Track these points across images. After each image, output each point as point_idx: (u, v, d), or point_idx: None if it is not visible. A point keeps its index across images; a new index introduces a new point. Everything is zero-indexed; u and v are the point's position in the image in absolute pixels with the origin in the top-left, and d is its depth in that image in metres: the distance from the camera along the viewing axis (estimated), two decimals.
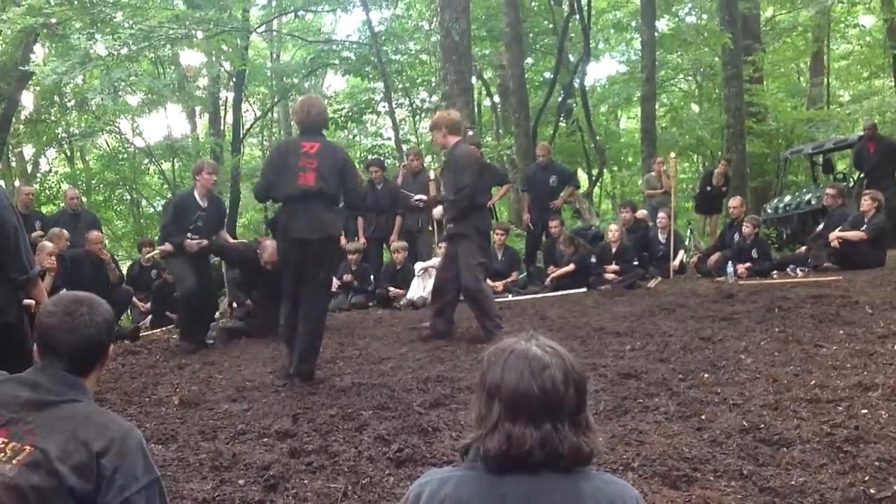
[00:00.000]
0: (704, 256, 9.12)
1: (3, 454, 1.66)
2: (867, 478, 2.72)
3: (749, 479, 2.78)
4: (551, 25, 16.18)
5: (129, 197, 18.87)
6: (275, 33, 19.21)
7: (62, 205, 10.30)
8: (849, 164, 13.42)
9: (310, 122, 4.78)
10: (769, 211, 12.76)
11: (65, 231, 7.68)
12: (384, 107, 17.17)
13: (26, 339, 3.05)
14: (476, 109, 16.25)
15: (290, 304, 4.85)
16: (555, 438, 1.36)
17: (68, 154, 19.82)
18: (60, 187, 16.76)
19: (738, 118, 13.56)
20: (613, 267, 8.41)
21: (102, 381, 4.66)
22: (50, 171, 19.41)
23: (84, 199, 12.47)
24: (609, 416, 3.63)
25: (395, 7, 17.38)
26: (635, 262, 8.54)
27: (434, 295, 6.12)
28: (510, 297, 8.14)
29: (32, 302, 3.27)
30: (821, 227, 8.83)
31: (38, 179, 18.09)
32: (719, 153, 13.83)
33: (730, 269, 8.04)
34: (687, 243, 10.42)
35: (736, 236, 8.61)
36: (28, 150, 18.93)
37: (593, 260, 8.61)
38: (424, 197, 6.12)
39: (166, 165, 18.45)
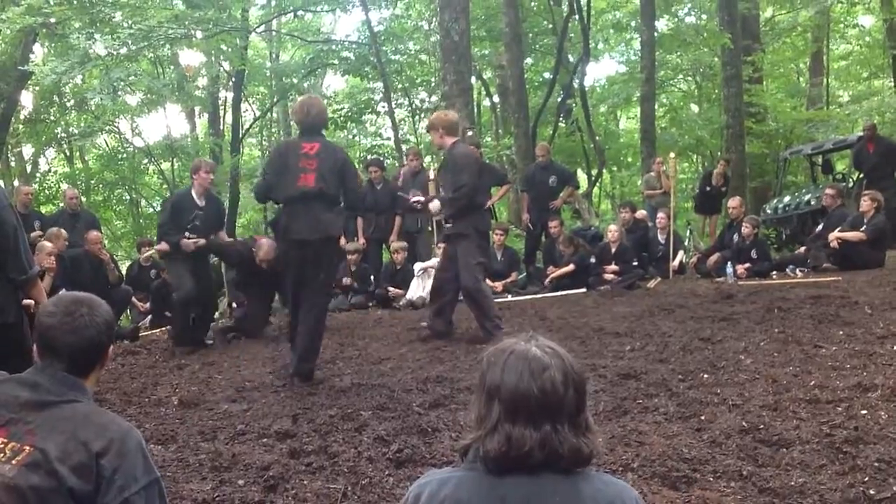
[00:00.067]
0: (704, 257, 9.12)
1: (2, 454, 1.66)
2: (867, 478, 2.72)
3: (749, 480, 2.78)
4: (551, 25, 16.18)
5: (128, 197, 18.87)
6: (274, 33, 19.21)
7: (61, 205, 10.30)
8: (848, 165, 13.43)
9: (309, 123, 4.78)
10: (768, 211, 12.76)
11: (63, 231, 7.67)
12: (383, 107, 17.19)
13: (26, 339, 3.04)
14: (475, 109, 16.25)
15: (292, 305, 4.87)
16: (554, 439, 1.36)
17: (67, 154, 19.82)
18: (59, 187, 16.77)
19: (737, 118, 13.57)
20: (613, 267, 8.41)
21: (102, 381, 4.65)
22: (49, 170, 19.41)
23: (83, 199, 12.47)
24: (608, 417, 3.63)
25: (394, 7, 17.38)
26: (635, 263, 8.54)
27: (433, 295, 6.12)
28: (510, 298, 8.14)
29: (32, 302, 3.27)
30: (820, 227, 8.84)
31: (38, 179, 18.08)
32: (719, 153, 13.83)
33: (729, 269, 8.04)
34: (686, 244, 10.42)
35: (735, 237, 8.61)
36: (27, 150, 18.95)
37: (593, 260, 8.61)
38: (422, 198, 6.11)
39: (165, 165, 18.45)
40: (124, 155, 18.85)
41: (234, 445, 3.51)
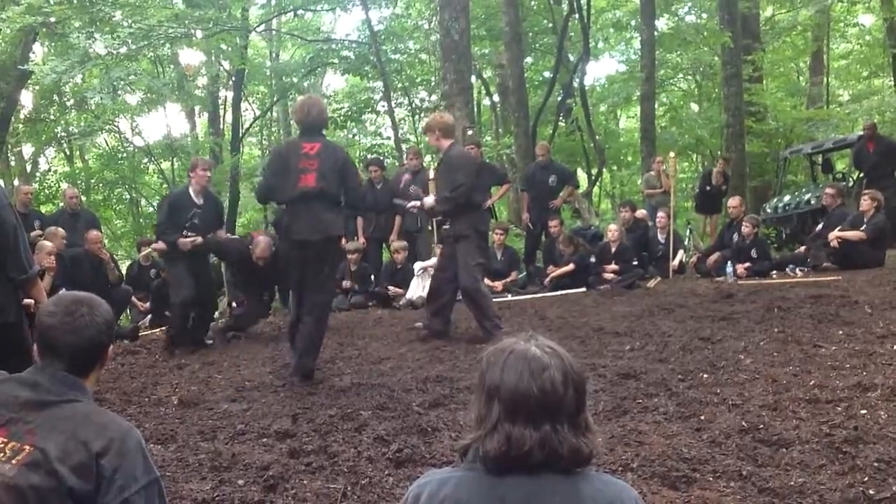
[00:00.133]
0: (704, 256, 9.12)
1: (2, 454, 1.66)
2: (866, 478, 2.72)
3: (748, 480, 2.78)
4: (551, 24, 16.18)
5: (128, 196, 18.88)
6: (274, 32, 19.19)
7: (61, 204, 10.30)
8: (848, 164, 13.42)
9: (309, 122, 4.79)
10: (768, 211, 12.75)
11: (60, 229, 7.66)
12: (383, 106, 17.18)
13: (26, 338, 3.05)
14: (475, 109, 16.24)
15: (295, 303, 4.88)
16: (554, 439, 1.36)
17: (67, 153, 19.82)
18: (59, 187, 16.77)
19: (737, 117, 13.56)
20: (613, 267, 8.41)
21: (102, 380, 4.65)
22: (49, 170, 19.42)
23: (83, 199, 12.45)
24: (608, 417, 3.63)
25: (394, 6, 17.37)
26: (634, 262, 8.54)
27: (431, 296, 6.10)
28: (509, 297, 8.14)
29: (32, 301, 3.27)
30: (820, 226, 8.83)
31: (38, 179, 18.08)
32: (719, 153, 13.81)
33: (729, 269, 8.04)
34: (686, 243, 10.42)
35: (735, 236, 8.60)
36: (27, 150, 18.95)
37: (592, 260, 8.61)
38: (418, 203, 6.12)
39: (165, 165, 18.45)
40: (124, 154, 18.85)
41: (234, 445, 3.51)
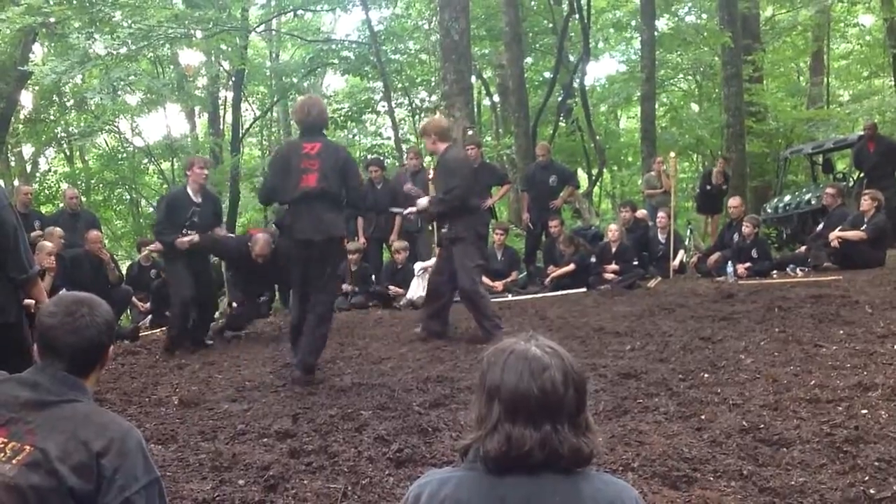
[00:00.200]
0: (704, 256, 9.12)
1: (2, 454, 1.66)
2: (867, 478, 2.72)
3: (749, 480, 2.78)
4: (551, 25, 16.18)
5: (128, 196, 18.88)
6: (274, 33, 19.20)
7: (61, 205, 10.30)
8: (849, 164, 13.42)
9: (310, 123, 4.79)
10: (769, 211, 12.75)
11: (57, 229, 7.66)
12: (383, 106, 17.18)
13: (26, 338, 3.05)
14: (475, 109, 16.25)
15: (299, 303, 4.88)
16: (554, 439, 1.36)
17: (67, 154, 19.82)
18: (59, 187, 16.78)
19: (737, 118, 13.56)
20: (613, 267, 8.41)
21: (102, 381, 4.66)
22: (49, 170, 19.42)
23: (83, 199, 12.47)
24: (609, 417, 3.63)
25: (394, 6, 17.38)
26: (635, 262, 8.53)
27: (429, 298, 6.10)
28: (510, 297, 8.14)
29: (32, 302, 3.27)
30: (820, 226, 8.83)
31: (38, 179, 18.09)
32: (719, 152, 13.81)
33: (729, 268, 8.04)
34: (687, 243, 10.42)
35: (736, 236, 8.60)
36: (27, 150, 18.96)
37: (593, 260, 8.61)
38: (414, 209, 6.12)
39: (165, 165, 18.46)
40: (124, 155, 18.85)
41: (235, 445, 3.51)
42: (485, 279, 8.11)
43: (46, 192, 17.16)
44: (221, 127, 18.57)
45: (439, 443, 3.35)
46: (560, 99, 16.36)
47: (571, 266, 8.57)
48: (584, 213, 12.10)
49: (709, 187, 11.01)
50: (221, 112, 18.81)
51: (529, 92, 16.64)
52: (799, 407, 3.53)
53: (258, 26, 17.13)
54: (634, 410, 3.70)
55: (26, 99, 16.24)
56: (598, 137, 16.52)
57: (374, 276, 8.63)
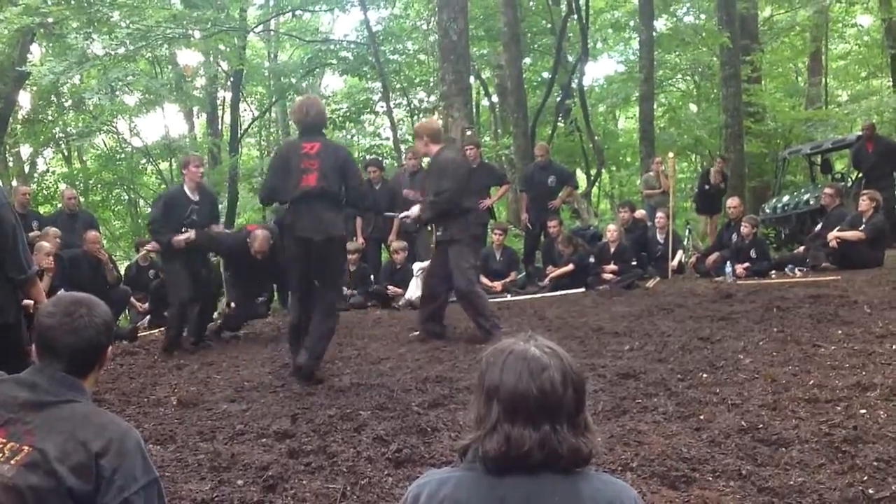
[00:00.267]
0: (703, 256, 9.12)
1: (1, 454, 1.66)
2: (865, 478, 2.72)
3: (748, 480, 2.78)
4: (549, 25, 16.18)
5: (126, 197, 18.88)
6: (272, 33, 19.20)
7: (59, 205, 10.29)
8: (847, 164, 13.44)
9: (309, 122, 4.80)
10: (767, 211, 12.76)
11: (54, 229, 7.65)
12: (382, 107, 17.19)
13: (24, 339, 3.04)
14: (474, 109, 16.27)
15: (298, 303, 4.87)
16: (553, 439, 1.36)
17: (65, 154, 19.82)
18: (58, 187, 16.77)
19: (736, 118, 13.58)
20: (612, 267, 8.41)
21: (101, 381, 4.65)
22: (47, 170, 19.41)
23: (81, 199, 12.45)
24: (608, 417, 3.63)
25: (392, 7, 17.38)
26: (634, 262, 8.54)
27: (424, 300, 6.09)
28: (509, 297, 8.14)
29: (31, 302, 3.27)
30: (819, 226, 8.83)
31: (36, 179, 18.08)
32: (717, 153, 13.82)
33: (728, 269, 8.04)
34: (685, 243, 10.42)
35: (734, 236, 8.60)
36: (25, 150, 18.95)
37: (592, 260, 8.60)
38: (410, 213, 6.12)
39: (164, 165, 18.45)
40: (122, 155, 18.86)
41: (233, 445, 3.51)
42: (484, 279, 8.13)
43: (44, 192, 17.15)
44: (220, 127, 18.58)
45: (438, 443, 3.35)
46: (559, 99, 16.37)
47: (570, 266, 8.57)
48: (583, 214, 12.11)
49: (707, 187, 11.02)
50: (220, 112, 18.81)
51: (528, 92, 16.64)
52: (797, 407, 3.53)
53: (256, 27, 17.13)
54: (633, 410, 3.70)
55: (24, 99, 16.26)
56: (596, 138, 16.53)
57: (372, 277, 8.62)
